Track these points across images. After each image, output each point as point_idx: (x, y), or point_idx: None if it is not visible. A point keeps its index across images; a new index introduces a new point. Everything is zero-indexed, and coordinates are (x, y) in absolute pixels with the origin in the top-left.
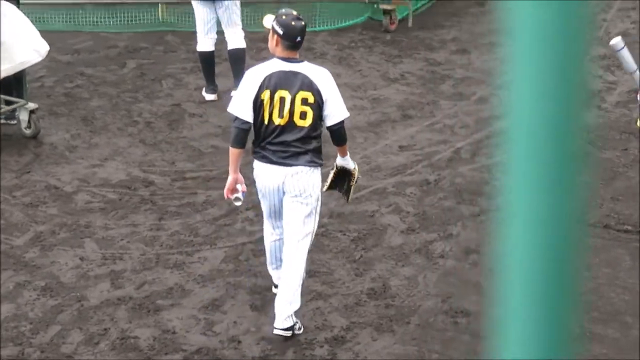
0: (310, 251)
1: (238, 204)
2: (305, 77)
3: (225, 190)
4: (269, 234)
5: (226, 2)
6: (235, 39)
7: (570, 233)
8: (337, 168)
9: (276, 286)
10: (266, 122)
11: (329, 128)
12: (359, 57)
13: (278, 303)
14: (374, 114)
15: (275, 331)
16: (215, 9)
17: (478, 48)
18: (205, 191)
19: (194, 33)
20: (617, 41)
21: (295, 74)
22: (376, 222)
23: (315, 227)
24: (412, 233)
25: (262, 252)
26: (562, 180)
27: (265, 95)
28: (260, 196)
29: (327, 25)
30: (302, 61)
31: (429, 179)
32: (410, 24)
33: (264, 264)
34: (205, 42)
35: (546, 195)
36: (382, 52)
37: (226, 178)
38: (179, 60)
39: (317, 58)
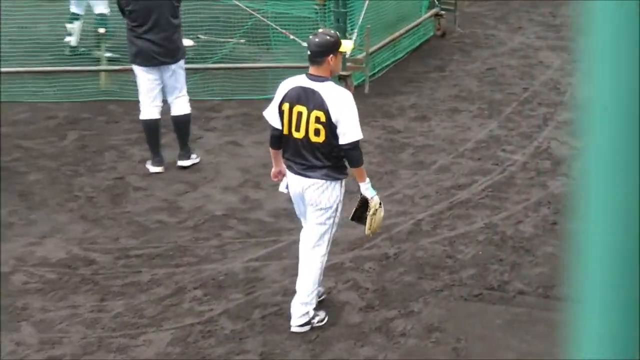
0: (323, 266)
1: (283, 190)
2: (319, 96)
3: (271, 174)
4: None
5: (173, 67)
6: (180, 105)
7: None
8: (360, 197)
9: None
10: (287, 132)
11: (340, 147)
12: None
13: (293, 305)
14: None
15: (293, 328)
16: (161, 75)
17: (438, 114)
18: (151, 269)
19: (138, 102)
20: None
21: (313, 92)
22: (333, 299)
23: (330, 237)
24: (371, 310)
25: (211, 333)
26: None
27: (286, 107)
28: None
29: None
30: (325, 80)
31: (388, 252)
32: (366, 90)
33: (214, 346)
34: (149, 110)
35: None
36: None
37: (173, 255)
38: (122, 131)
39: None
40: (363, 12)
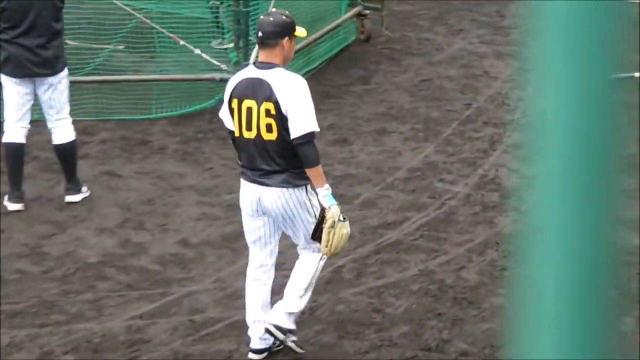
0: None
1: None
2: (268, 85)
3: None
4: (251, 270)
5: (50, 80)
6: (63, 130)
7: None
8: (320, 212)
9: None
10: (238, 134)
11: (292, 143)
12: (209, 152)
13: (277, 305)
14: (230, 224)
15: (266, 325)
16: (35, 89)
17: (362, 137)
18: (9, 330)
19: (1, 120)
20: None
21: (260, 81)
22: None
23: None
24: None
25: None
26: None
27: (235, 103)
28: (243, 217)
29: (166, 111)
30: (274, 67)
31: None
32: None
33: None
34: (14, 132)
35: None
36: None
37: (37, 312)
38: None
39: (154, 154)
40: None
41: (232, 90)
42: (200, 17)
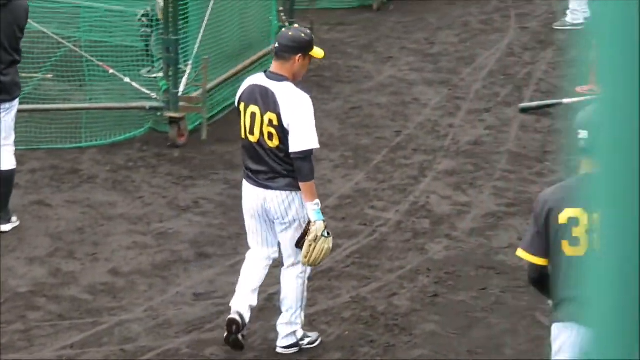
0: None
1: None
2: (273, 96)
3: None
4: (253, 255)
5: (7, 105)
6: (5, 156)
7: None
8: (308, 220)
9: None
10: (243, 136)
11: (291, 156)
12: (140, 181)
13: (279, 325)
14: (161, 252)
15: (278, 349)
16: None
17: None
18: None
19: None
20: None
21: (267, 91)
22: None
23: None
24: None
25: None
26: None
27: (242, 107)
28: (245, 218)
29: (96, 140)
30: (283, 80)
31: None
32: (204, 136)
33: None
34: None
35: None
36: (169, 173)
37: None
38: None
39: (85, 182)
40: (199, 39)
41: (241, 94)
42: (130, 45)
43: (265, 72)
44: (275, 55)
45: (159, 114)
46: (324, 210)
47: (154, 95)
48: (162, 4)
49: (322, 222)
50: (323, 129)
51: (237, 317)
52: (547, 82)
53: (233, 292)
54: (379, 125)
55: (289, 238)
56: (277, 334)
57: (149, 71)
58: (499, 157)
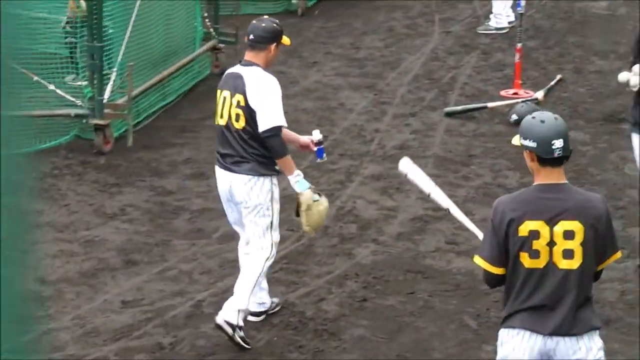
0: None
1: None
2: (242, 79)
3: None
4: (241, 245)
5: None
6: None
7: None
8: (297, 196)
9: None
10: (216, 121)
11: (260, 135)
12: (65, 188)
13: (228, 300)
14: (88, 260)
15: (218, 320)
16: None
17: None
18: None
19: None
20: (403, 167)
21: (238, 76)
22: None
23: (272, 240)
24: None
25: None
26: None
27: (219, 93)
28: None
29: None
30: (253, 65)
31: (162, 342)
32: (130, 142)
33: None
34: None
35: None
36: (95, 181)
37: None
38: None
39: None
40: (124, 46)
41: (220, 82)
42: (54, 52)
43: (240, 61)
44: (250, 46)
45: (84, 121)
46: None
47: (79, 102)
48: (84, 5)
49: (308, 190)
50: None
51: (258, 308)
52: (471, 86)
53: (161, 298)
54: (305, 130)
55: (250, 222)
56: (205, 340)
57: (73, 78)
58: (425, 161)
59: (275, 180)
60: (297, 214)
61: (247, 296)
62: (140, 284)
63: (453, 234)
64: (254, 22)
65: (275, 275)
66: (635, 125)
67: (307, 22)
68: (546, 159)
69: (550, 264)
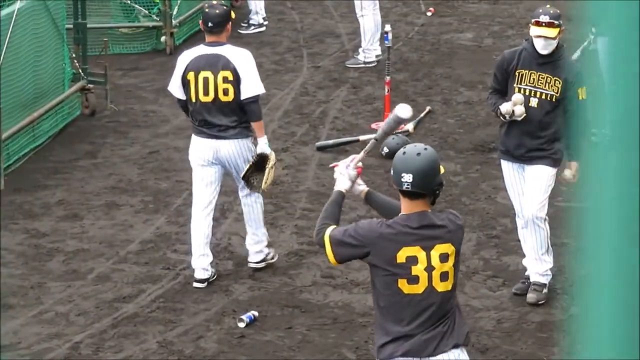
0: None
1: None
2: (224, 57)
3: None
4: (197, 212)
5: None
6: None
7: None
8: (256, 156)
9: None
10: (194, 100)
11: (243, 102)
12: None
13: (248, 245)
14: None
15: (251, 265)
16: None
17: (92, 211)
18: None
19: None
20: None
21: (217, 56)
22: None
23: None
24: None
25: None
26: None
27: (191, 75)
28: (194, 168)
29: None
30: (224, 44)
31: None
32: (1, 186)
33: None
34: None
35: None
36: None
37: None
38: None
39: None
40: None
41: (187, 66)
42: None
43: (203, 44)
44: (211, 31)
45: None
46: (126, 257)
47: None
48: None
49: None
50: (121, 175)
51: (203, 275)
52: (342, 120)
53: (38, 341)
54: (178, 168)
55: (241, 171)
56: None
57: None
58: (298, 196)
59: (252, 140)
60: (254, 172)
61: (263, 231)
62: (17, 328)
63: (328, 268)
64: (205, 10)
65: (153, 315)
66: (505, 153)
67: (176, 61)
68: (401, 190)
69: (430, 288)
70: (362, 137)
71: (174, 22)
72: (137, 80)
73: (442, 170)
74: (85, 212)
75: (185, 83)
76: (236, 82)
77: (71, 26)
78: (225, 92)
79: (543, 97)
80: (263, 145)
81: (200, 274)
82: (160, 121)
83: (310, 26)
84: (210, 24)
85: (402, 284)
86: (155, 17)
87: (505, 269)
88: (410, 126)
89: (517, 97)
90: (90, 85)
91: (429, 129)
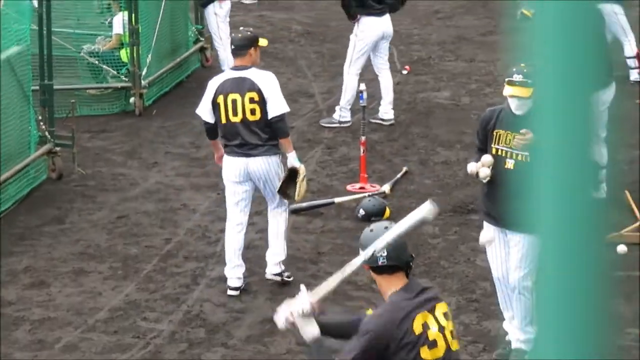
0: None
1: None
2: (250, 80)
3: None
4: (231, 227)
5: None
6: None
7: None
8: (287, 170)
9: None
10: (225, 121)
11: (270, 121)
12: None
13: (269, 255)
14: None
15: (268, 275)
16: None
17: (59, 278)
18: None
19: None
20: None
21: (242, 79)
22: None
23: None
24: None
25: None
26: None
27: (221, 99)
28: (227, 185)
29: None
30: (250, 67)
31: None
32: None
33: None
34: None
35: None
36: None
37: None
38: None
39: None
40: None
41: (216, 90)
42: None
43: (230, 69)
44: (234, 54)
45: None
46: (94, 325)
47: None
48: None
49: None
50: (90, 240)
51: (237, 284)
52: (317, 182)
53: None
54: (147, 233)
55: (269, 191)
56: None
57: None
58: None
59: (280, 157)
60: (286, 186)
61: (284, 245)
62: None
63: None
64: (232, 35)
65: None
66: (487, 215)
67: (145, 122)
68: (377, 268)
69: (448, 348)
70: (337, 200)
71: (143, 82)
72: (105, 142)
73: None
74: (52, 280)
75: (215, 106)
76: (262, 102)
77: (37, 87)
78: (253, 112)
79: (519, 158)
80: (292, 160)
81: (234, 282)
82: (129, 184)
83: (283, 86)
84: (233, 47)
85: (424, 352)
86: (124, 78)
87: (486, 334)
88: (386, 187)
89: (486, 158)
90: (57, 148)
91: (406, 190)
